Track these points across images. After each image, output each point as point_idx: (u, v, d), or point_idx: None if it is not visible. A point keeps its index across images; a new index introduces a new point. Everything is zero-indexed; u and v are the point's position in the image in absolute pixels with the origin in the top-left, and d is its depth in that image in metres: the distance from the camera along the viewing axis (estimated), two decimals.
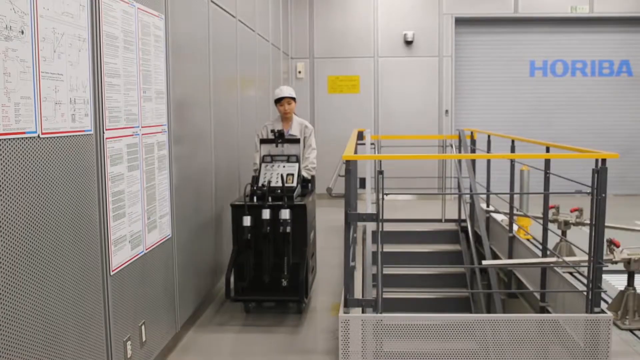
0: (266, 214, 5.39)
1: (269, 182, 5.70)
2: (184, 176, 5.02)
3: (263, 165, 5.89)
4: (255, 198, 5.54)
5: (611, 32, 13.23)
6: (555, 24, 13.13)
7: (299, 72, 12.71)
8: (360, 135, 7.90)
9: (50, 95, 2.86)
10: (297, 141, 6.09)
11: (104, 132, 3.46)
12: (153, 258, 4.27)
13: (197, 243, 5.47)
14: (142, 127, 4.05)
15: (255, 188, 5.58)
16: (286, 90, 6.42)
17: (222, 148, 6.37)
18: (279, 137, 6.00)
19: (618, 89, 13.34)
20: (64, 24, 3.00)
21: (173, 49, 4.70)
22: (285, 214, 5.39)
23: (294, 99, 6.46)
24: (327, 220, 9.28)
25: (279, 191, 5.58)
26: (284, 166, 5.82)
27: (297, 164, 5.88)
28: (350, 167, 4.59)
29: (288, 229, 5.37)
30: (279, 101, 6.39)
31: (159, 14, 4.40)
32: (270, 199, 5.50)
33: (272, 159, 5.91)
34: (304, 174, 6.13)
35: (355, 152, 6.15)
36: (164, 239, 4.51)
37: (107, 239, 3.51)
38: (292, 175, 5.71)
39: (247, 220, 5.38)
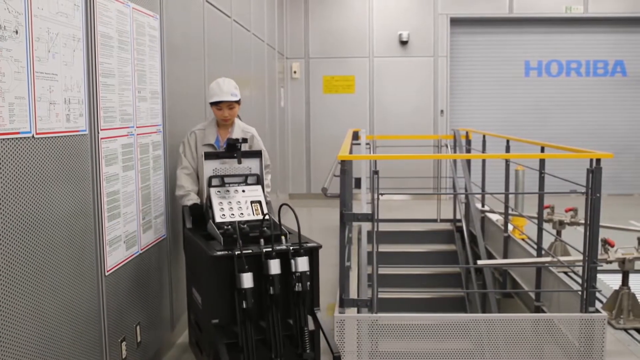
0: (276, 266, 3.52)
1: (235, 216, 3.97)
2: None
3: (213, 191, 4.00)
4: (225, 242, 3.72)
5: (605, 32, 13.27)
6: (550, 24, 13.16)
7: (295, 72, 12.71)
8: (356, 135, 7.91)
9: (44, 95, 2.86)
10: (257, 154, 4.31)
11: (98, 132, 3.45)
12: (148, 258, 4.27)
13: None
14: (137, 127, 4.04)
15: (226, 228, 3.74)
16: (227, 90, 4.36)
17: None
18: (231, 149, 4.14)
19: (613, 89, 13.37)
20: (59, 24, 3.00)
21: (168, 49, 4.70)
22: (303, 263, 3.57)
23: (238, 102, 4.49)
24: (322, 221, 9.29)
25: (265, 228, 3.75)
26: (242, 190, 4.04)
27: (259, 187, 4.14)
28: (345, 167, 4.60)
29: (308, 285, 3.59)
30: (215, 104, 4.40)
31: (154, 14, 4.39)
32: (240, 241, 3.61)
33: (223, 181, 4.06)
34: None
35: (351, 152, 6.15)
36: (159, 239, 4.51)
37: (102, 239, 3.51)
38: (259, 203, 3.99)
39: (247, 280, 3.47)
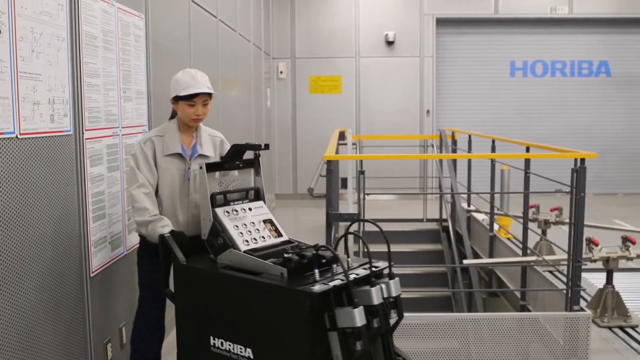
0: (378, 295, 2.66)
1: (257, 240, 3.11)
2: None
3: (221, 212, 3.09)
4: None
5: (590, 33, 13.37)
6: (535, 24, 13.23)
7: (281, 72, 12.71)
8: (342, 136, 7.92)
9: (28, 96, 2.84)
10: (250, 163, 3.42)
11: (83, 133, 3.43)
12: (134, 259, 4.24)
13: None
14: (122, 127, 4.02)
15: (285, 255, 2.78)
16: (202, 81, 3.47)
17: None
18: (236, 157, 3.36)
19: (597, 89, 13.47)
20: (43, 24, 2.98)
21: (153, 49, 4.68)
22: (396, 286, 2.82)
23: (210, 95, 3.52)
24: (308, 221, 9.29)
25: (318, 252, 2.79)
26: (249, 209, 3.22)
27: (262, 203, 3.34)
28: (331, 167, 4.60)
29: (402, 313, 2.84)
30: (188, 98, 3.41)
31: (139, 13, 4.38)
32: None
33: (226, 199, 3.19)
34: None
35: (337, 152, 6.16)
36: None
37: (87, 241, 3.49)
38: (271, 222, 3.24)
39: (361, 316, 2.54)
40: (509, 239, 7.37)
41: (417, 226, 9.13)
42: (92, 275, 3.54)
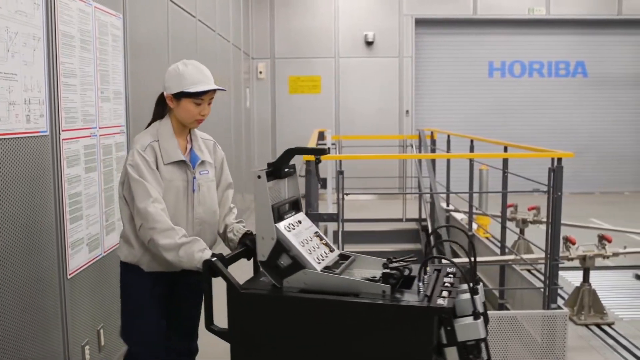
0: (481, 301, 2.50)
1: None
2: None
3: (283, 228, 2.59)
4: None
5: (567, 33, 13.51)
6: (513, 25, 13.34)
7: (260, 72, 12.69)
8: (321, 136, 7.93)
9: (3, 96, 2.81)
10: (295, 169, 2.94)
11: (60, 133, 3.40)
12: (111, 261, 4.21)
13: None
14: (99, 127, 3.99)
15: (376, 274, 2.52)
16: (210, 76, 3.08)
17: None
18: (286, 162, 2.79)
19: (574, 89, 13.62)
20: (18, 23, 2.95)
21: (132, 48, 4.65)
22: (482, 293, 2.56)
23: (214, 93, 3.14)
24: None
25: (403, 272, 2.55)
26: (298, 221, 2.75)
27: (303, 213, 2.93)
28: (310, 167, 4.60)
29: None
30: (196, 95, 2.97)
31: (116, 13, 4.35)
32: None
33: (279, 212, 2.69)
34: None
35: None
36: None
37: (64, 242, 3.46)
38: (319, 235, 2.81)
39: (482, 327, 2.37)
40: (487, 238, 7.42)
41: (397, 226, 9.16)
42: (69, 277, 3.51)
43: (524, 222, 7.19)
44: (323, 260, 2.60)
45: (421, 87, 13.30)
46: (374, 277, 2.47)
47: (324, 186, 6.44)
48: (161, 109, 3.07)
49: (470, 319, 2.31)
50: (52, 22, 3.32)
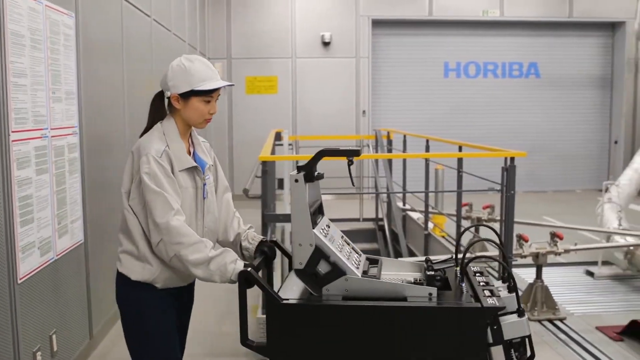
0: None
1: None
2: (97, 179, 4.89)
3: (319, 233, 2.47)
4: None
5: (520, 35, 13.76)
6: (468, 26, 13.53)
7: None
8: (278, 136, 7.91)
9: None
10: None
11: (9, 135, 3.32)
12: (64, 264, 4.14)
13: (112, 248, 5.33)
14: (51, 128, 3.91)
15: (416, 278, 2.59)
16: (217, 71, 2.82)
17: None
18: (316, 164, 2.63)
19: (527, 90, 13.88)
20: None
21: (84, 48, 4.58)
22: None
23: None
24: (245, 222, 9.25)
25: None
26: (327, 226, 2.67)
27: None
28: (266, 168, 4.60)
29: None
30: (207, 93, 2.72)
31: (68, 12, 4.27)
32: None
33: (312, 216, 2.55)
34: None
35: (273, 153, 6.16)
36: (76, 244, 4.38)
37: (14, 246, 3.38)
38: (344, 239, 2.75)
39: (527, 324, 2.40)
40: (443, 237, 7.50)
41: (354, 225, 9.20)
42: (19, 281, 3.43)
43: (479, 220, 7.30)
44: (359, 265, 2.52)
45: (378, 88, 13.38)
46: (417, 280, 2.45)
47: (281, 186, 6.43)
48: (160, 110, 2.79)
49: (515, 317, 2.30)
50: (0, 20, 3.25)
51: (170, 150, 2.65)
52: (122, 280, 2.71)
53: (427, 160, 7.52)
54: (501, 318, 2.27)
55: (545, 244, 5.95)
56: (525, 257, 5.79)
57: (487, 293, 2.35)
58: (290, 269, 2.66)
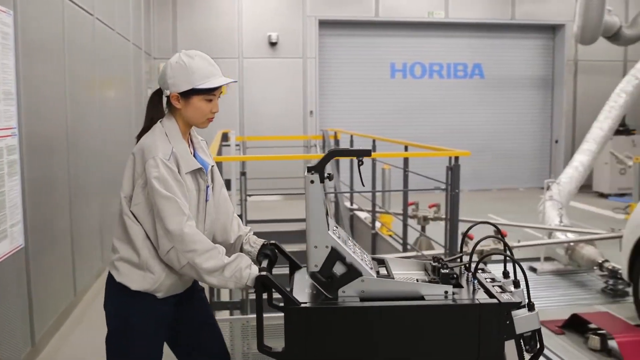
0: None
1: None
2: (39, 181, 4.77)
3: (334, 235, 2.41)
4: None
5: (465, 36, 14.00)
6: (414, 28, 13.69)
7: None
8: (225, 137, 7.86)
9: None
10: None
11: None
12: (4, 270, 4.03)
13: (54, 252, 5.21)
14: None
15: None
16: (217, 66, 2.68)
17: (80, 152, 6.10)
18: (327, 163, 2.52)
19: (472, 90, 14.12)
20: None
21: (24, 47, 4.46)
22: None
23: None
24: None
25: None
26: (336, 226, 2.60)
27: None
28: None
29: None
30: (209, 91, 2.61)
31: (6, 9, 4.15)
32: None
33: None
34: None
35: (220, 154, 6.11)
36: (16, 249, 4.26)
37: None
38: (351, 239, 2.71)
39: (538, 318, 2.46)
40: (390, 235, 7.57)
41: (302, 226, 9.13)
42: None
43: (425, 219, 7.38)
44: (372, 266, 2.47)
45: (325, 88, 13.42)
46: (430, 278, 2.44)
47: (228, 187, 6.39)
48: (158, 108, 2.65)
49: (525, 311, 2.33)
50: None
51: (177, 151, 2.51)
52: (120, 290, 2.53)
53: (373, 160, 7.58)
54: (513, 313, 2.29)
55: (489, 242, 6.06)
56: (469, 254, 5.88)
57: (497, 289, 2.38)
58: (291, 272, 2.65)
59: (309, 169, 2.40)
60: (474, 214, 8.52)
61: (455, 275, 2.40)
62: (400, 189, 6.67)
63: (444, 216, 6.62)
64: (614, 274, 6.03)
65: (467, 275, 2.44)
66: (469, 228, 2.81)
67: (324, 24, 13.10)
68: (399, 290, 2.36)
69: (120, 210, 2.55)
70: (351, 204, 8.86)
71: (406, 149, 6.42)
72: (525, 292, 2.38)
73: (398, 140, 6.84)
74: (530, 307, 2.34)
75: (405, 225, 6.58)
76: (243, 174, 4.50)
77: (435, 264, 2.47)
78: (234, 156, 7.13)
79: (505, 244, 2.54)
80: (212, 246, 2.43)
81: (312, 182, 2.36)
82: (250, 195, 4.57)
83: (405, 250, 6.56)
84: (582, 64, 14.07)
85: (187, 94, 2.54)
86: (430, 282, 2.41)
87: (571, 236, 6.87)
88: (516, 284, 2.41)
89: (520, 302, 2.31)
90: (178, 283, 2.58)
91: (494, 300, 2.28)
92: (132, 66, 9.49)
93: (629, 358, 4.42)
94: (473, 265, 2.48)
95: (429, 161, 8.39)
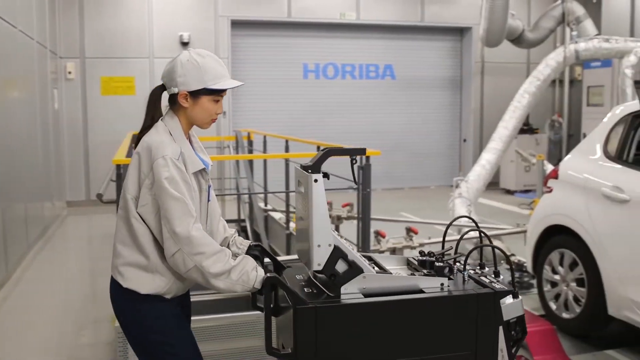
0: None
1: None
2: None
3: (334, 233, 2.50)
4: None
5: (376, 38, 14.23)
6: (326, 29, 13.80)
7: (69, 72, 12.04)
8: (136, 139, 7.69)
9: None
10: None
11: None
12: None
13: None
14: None
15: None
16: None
17: None
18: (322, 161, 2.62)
19: (384, 91, 14.38)
20: None
21: None
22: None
23: None
24: (104, 227, 8.92)
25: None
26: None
27: None
28: (121, 171, 4.45)
29: None
30: (216, 93, 2.57)
31: None
32: None
33: None
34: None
35: (131, 156, 5.97)
36: None
37: None
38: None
39: (521, 304, 2.65)
40: None
41: None
42: None
43: (339, 218, 7.46)
44: (367, 261, 2.53)
45: (238, 89, 13.28)
46: (429, 271, 2.50)
47: None
48: (158, 106, 2.61)
49: (511, 298, 2.42)
50: None
51: (185, 152, 2.47)
52: (129, 296, 2.48)
53: (287, 160, 7.59)
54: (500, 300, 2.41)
55: (401, 239, 6.18)
56: (383, 252, 5.99)
57: (485, 280, 2.49)
58: (278, 273, 2.62)
59: (305, 168, 2.46)
60: (387, 212, 8.68)
61: (450, 268, 2.48)
62: None
63: (357, 215, 6.71)
64: (519, 267, 6.27)
65: (454, 267, 2.55)
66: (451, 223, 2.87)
67: (237, 24, 13.01)
68: (399, 284, 2.42)
69: (124, 212, 2.48)
70: (265, 205, 8.84)
71: (318, 149, 6.46)
72: (503, 280, 2.50)
73: (310, 141, 6.89)
74: (515, 294, 2.44)
75: None
76: None
77: (425, 258, 2.56)
78: None
79: (484, 234, 2.67)
80: (219, 249, 2.40)
81: (315, 181, 2.38)
82: None
83: None
84: (489, 66, 14.57)
85: (197, 94, 2.51)
86: (427, 275, 2.48)
87: None
88: (496, 274, 2.54)
89: (512, 290, 2.43)
90: (185, 284, 2.56)
91: (489, 290, 2.41)
92: (37, 65, 9.15)
93: (535, 347, 4.60)
94: (455, 258, 2.59)
95: (340, 161, 8.47)
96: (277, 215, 8.38)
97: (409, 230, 6.25)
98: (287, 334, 2.35)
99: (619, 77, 9.82)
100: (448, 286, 2.43)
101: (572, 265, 4.97)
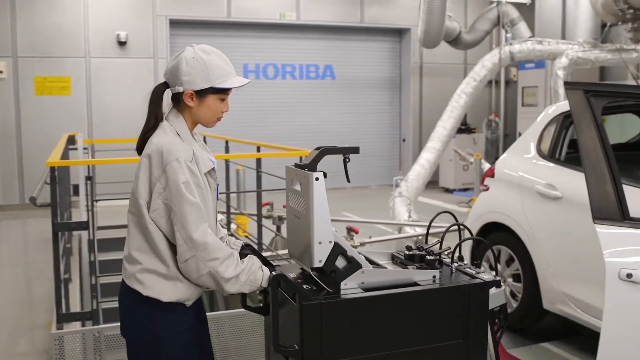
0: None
1: None
2: None
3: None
4: None
5: (316, 38, 14.29)
6: (266, 29, 13.78)
7: (1, 72, 11.68)
8: (72, 140, 7.54)
9: None
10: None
11: None
12: None
13: None
14: None
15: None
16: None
17: None
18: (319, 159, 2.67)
19: (324, 91, 14.45)
20: None
21: None
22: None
23: None
24: (40, 232, 8.68)
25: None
26: None
27: None
28: (55, 174, 4.36)
29: None
30: (223, 92, 2.56)
31: None
32: None
33: None
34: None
35: (66, 158, 5.85)
36: None
37: None
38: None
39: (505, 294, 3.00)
40: (246, 236, 7.58)
41: None
42: None
43: (280, 219, 7.47)
44: (363, 256, 2.58)
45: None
46: (421, 264, 2.56)
47: (77, 193, 6.13)
48: (161, 107, 2.54)
49: (494, 289, 2.51)
50: None
51: (197, 153, 2.40)
52: (150, 305, 2.38)
53: (227, 161, 7.55)
54: None
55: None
56: (356, 247, 6.01)
57: (469, 271, 2.59)
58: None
59: (301, 167, 2.50)
60: (330, 211, 8.69)
61: (440, 261, 2.57)
62: (254, 190, 6.69)
63: None
64: None
65: (441, 260, 2.62)
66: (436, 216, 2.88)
67: (176, 24, 12.86)
68: (395, 278, 2.48)
69: (136, 218, 2.41)
70: None
71: (258, 149, 6.47)
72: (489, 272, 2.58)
73: (250, 142, 6.88)
74: (497, 284, 2.54)
75: (259, 226, 6.61)
76: (89, 178, 4.33)
77: (414, 252, 2.64)
78: (80, 160, 6.83)
79: (464, 226, 2.76)
80: (229, 252, 2.36)
81: (317, 179, 2.39)
82: (97, 201, 4.41)
83: (260, 250, 6.59)
84: (427, 67, 14.80)
85: (203, 93, 2.45)
86: (422, 268, 2.55)
87: (419, 230, 7.21)
88: (477, 265, 2.65)
89: (498, 280, 2.53)
90: (200, 288, 2.47)
91: (479, 280, 2.50)
92: None
93: None
94: (443, 251, 2.67)
95: (281, 161, 8.47)
96: (219, 217, 8.33)
97: (350, 230, 6.30)
98: (286, 331, 2.37)
99: (551, 78, 10.14)
100: (440, 278, 2.52)
101: (509, 262, 5.10)
